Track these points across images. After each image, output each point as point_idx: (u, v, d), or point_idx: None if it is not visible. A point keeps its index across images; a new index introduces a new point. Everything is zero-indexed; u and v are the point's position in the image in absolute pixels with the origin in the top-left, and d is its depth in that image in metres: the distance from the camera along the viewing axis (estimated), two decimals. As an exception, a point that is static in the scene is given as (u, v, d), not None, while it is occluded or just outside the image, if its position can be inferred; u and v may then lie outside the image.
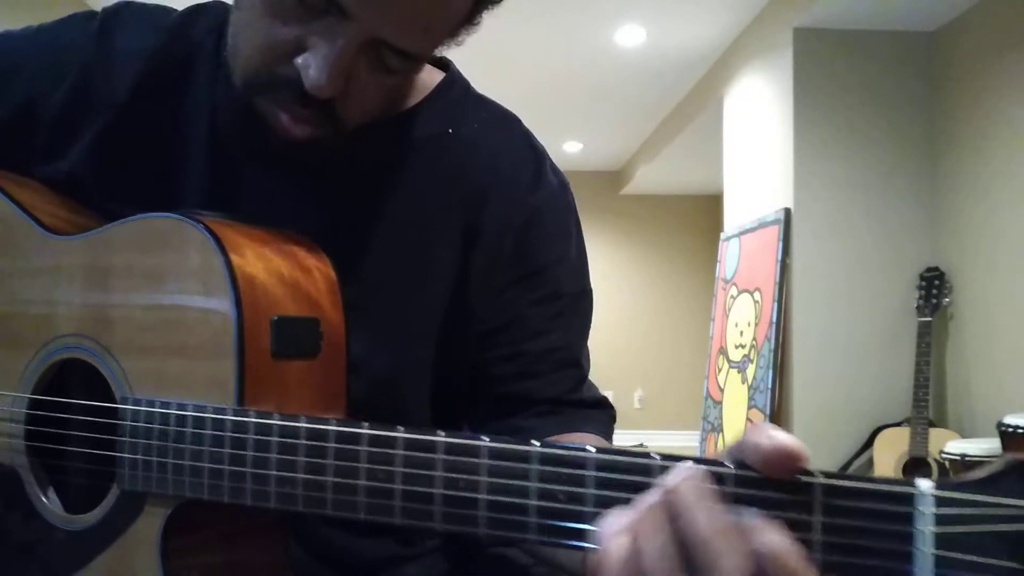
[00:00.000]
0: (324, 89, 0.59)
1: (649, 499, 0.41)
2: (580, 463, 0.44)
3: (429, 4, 0.59)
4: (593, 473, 0.44)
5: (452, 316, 0.72)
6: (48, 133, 0.72)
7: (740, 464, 0.41)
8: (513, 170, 0.74)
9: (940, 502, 0.37)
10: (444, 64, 0.79)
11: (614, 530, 0.41)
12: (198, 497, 0.56)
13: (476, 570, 0.79)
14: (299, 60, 0.60)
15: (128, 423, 0.59)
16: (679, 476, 0.41)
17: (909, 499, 0.38)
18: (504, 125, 0.78)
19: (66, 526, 0.63)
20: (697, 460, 0.42)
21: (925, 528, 0.37)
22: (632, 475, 0.43)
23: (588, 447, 0.44)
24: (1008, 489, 0.36)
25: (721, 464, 0.41)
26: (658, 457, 0.43)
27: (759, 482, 0.40)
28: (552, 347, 0.73)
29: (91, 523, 0.62)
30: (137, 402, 0.59)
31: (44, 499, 0.65)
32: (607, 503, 0.43)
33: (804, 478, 0.40)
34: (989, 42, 2.96)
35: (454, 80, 0.78)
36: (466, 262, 0.72)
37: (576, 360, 0.75)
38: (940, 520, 0.37)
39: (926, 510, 0.37)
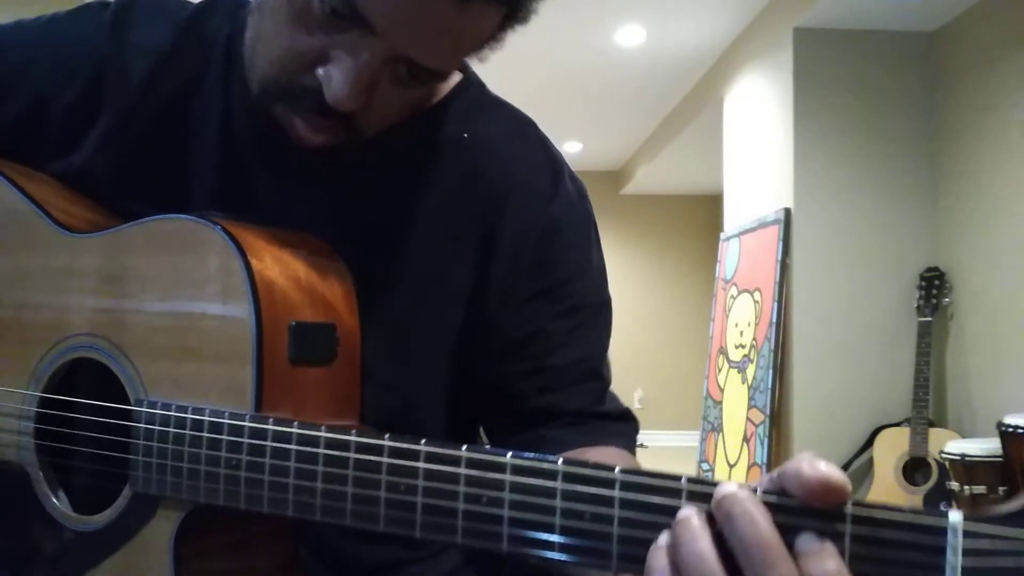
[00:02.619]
0: (346, 103, 0.58)
1: (690, 510, 0.41)
2: (607, 483, 0.43)
3: (457, 25, 0.57)
4: (619, 494, 0.43)
5: (469, 327, 0.70)
6: (60, 128, 0.72)
7: (780, 491, 0.40)
8: (530, 178, 0.73)
9: (969, 535, 0.37)
10: (461, 65, 0.77)
11: (659, 542, 0.41)
12: (213, 503, 0.55)
13: (491, 564, 0.78)
14: (321, 72, 0.59)
15: (143, 426, 0.59)
16: (724, 489, 0.40)
17: (939, 531, 0.38)
18: (521, 131, 0.76)
19: (76, 527, 0.63)
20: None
21: (954, 561, 0.37)
22: (660, 496, 0.42)
23: (615, 466, 0.44)
24: None
25: (752, 489, 0.41)
26: (686, 480, 0.42)
27: (787, 509, 0.40)
28: (575, 360, 0.71)
29: (102, 524, 0.61)
30: (153, 405, 0.59)
31: (54, 499, 0.64)
32: (633, 524, 0.43)
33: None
34: (989, 42, 2.97)
35: (471, 82, 0.76)
36: (483, 273, 0.70)
37: (598, 372, 0.74)
38: (969, 553, 0.37)
39: (955, 543, 0.37)
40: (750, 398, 3.50)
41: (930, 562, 0.38)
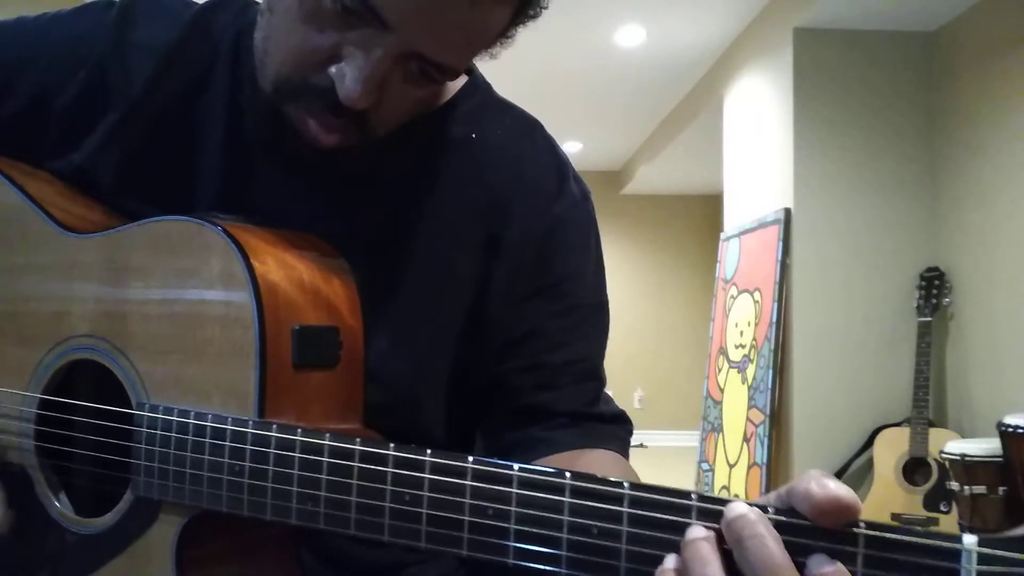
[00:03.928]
0: (359, 100, 0.58)
1: (699, 531, 0.40)
2: (616, 498, 0.43)
3: (470, 19, 0.57)
4: (628, 510, 0.43)
5: (471, 325, 0.70)
6: (60, 125, 0.71)
7: (789, 510, 0.40)
8: (536, 179, 0.73)
9: (983, 559, 0.37)
10: (467, 68, 0.76)
11: (667, 565, 0.41)
12: (216, 509, 0.55)
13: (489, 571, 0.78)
14: (333, 69, 0.58)
15: (145, 430, 0.58)
16: (734, 511, 0.40)
17: (953, 555, 0.37)
18: (528, 132, 0.76)
19: (77, 529, 0.62)
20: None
21: None
22: (669, 513, 0.42)
23: (624, 481, 0.43)
24: None
25: (763, 508, 0.40)
26: (695, 497, 0.42)
27: (799, 529, 0.39)
28: (572, 359, 0.71)
29: (103, 528, 0.61)
30: (155, 409, 0.58)
31: (55, 501, 0.64)
32: (641, 541, 0.42)
33: (847, 528, 0.39)
34: (989, 42, 2.96)
35: (477, 84, 0.76)
36: (487, 271, 0.70)
37: (595, 372, 0.74)
38: None
39: (970, 567, 0.37)
40: (750, 398, 3.50)
41: None
